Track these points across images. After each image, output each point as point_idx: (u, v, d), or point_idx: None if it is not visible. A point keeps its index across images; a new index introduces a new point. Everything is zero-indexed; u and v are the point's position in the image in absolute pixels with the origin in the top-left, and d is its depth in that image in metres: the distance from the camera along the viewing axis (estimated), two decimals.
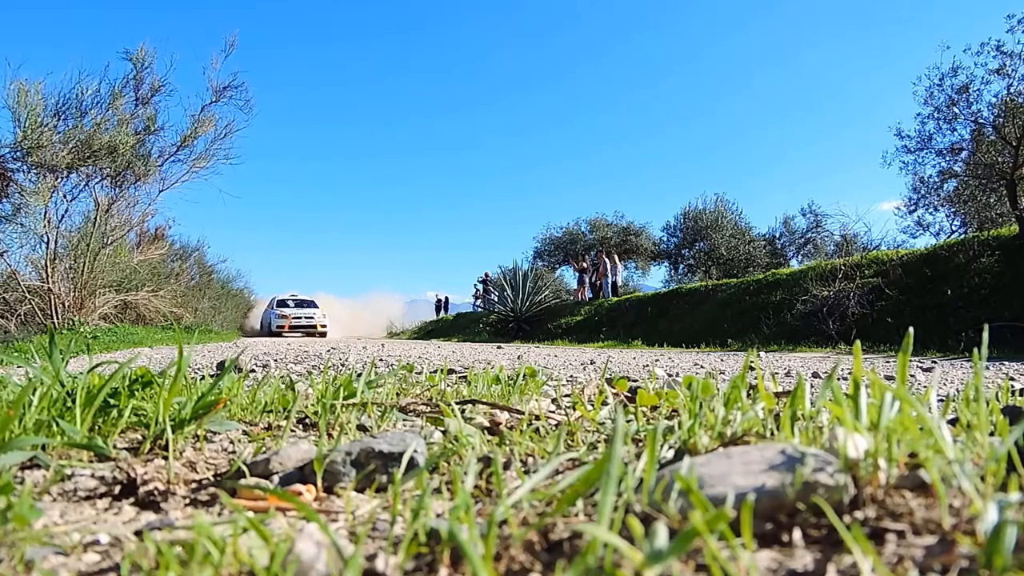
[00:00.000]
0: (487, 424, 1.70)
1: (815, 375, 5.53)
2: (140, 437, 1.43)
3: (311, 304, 33.23)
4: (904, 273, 14.52)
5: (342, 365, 6.75)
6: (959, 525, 0.71)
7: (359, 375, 2.28)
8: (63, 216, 16.95)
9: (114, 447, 1.32)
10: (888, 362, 7.98)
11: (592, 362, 7.85)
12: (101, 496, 1.08)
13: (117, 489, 1.10)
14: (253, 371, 5.48)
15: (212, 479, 1.17)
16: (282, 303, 33.09)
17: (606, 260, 26.91)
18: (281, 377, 2.43)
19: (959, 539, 0.66)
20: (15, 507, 0.83)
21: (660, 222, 41.47)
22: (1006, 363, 7.14)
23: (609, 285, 26.38)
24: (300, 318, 31.65)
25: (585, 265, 29.28)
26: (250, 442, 1.51)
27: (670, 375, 5.14)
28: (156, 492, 1.07)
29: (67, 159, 15.31)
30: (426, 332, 34.46)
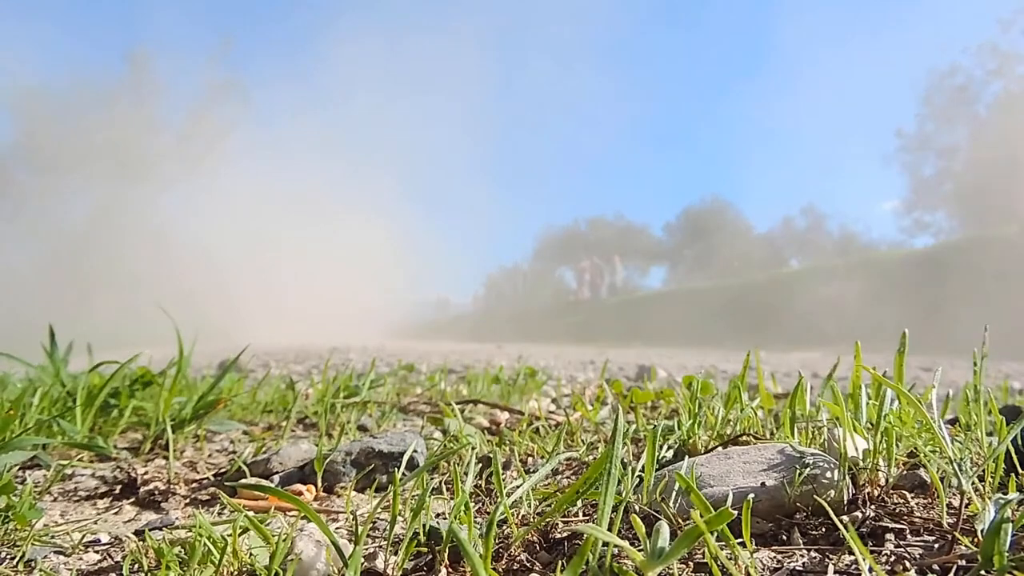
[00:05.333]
0: (487, 424, 1.70)
1: (815, 375, 5.54)
2: (141, 437, 1.43)
3: None
4: (903, 273, 14.52)
5: (343, 365, 6.75)
6: (958, 524, 0.71)
7: (360, 375, 2.28)
8: (63, 216, 16.96)
9: (115, 447, 1.33)
10: (888, 363, 7.97)
11: (592, 362, 7.85)
12: (102, 496, 1.08)
13: (118, 489, 1.10)
14: (253, 371, 5.48)
15: (213, 479, 1.17)
16: None
17: (602, 260, 26.98)
18: (281, 377, 2.43)
19: (958, 538, 0.67)
20: (16, 507, 0.83)
21: (660, 222, 41.51)
22: (1005, 363, 7.14)
23: (607, 285, 26.41)
24: None
25: (585, 265, 29.31)
26: (250, 442, 1.51)
27: (670, 375, 5.14)
28: (157, 492, 1.07)
29: (67, 159, 15.34)
30: (426, 332, 34.49)
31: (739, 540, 0.66)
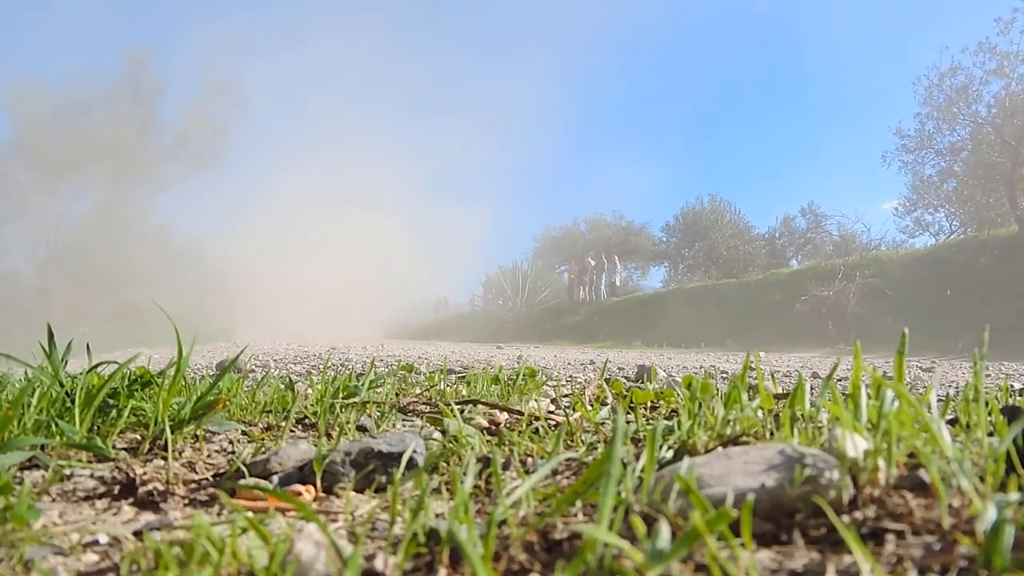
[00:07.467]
0: (486, 424, 1.70)
1: (815, 375, 5.54)
2: (139, 437, 1.43)
3: None
4: (903, 273, 14.53)
5: (342, 365, 6.76)
6: (958, 525, 0.70)
7: (359, 375, 2.28)
8: (63, 216, 16.95)
9: (113, 447, 1.32)
10: (888, 362, 7.98)
11: (592, 362, 7.86)
12: (100, 496, 1.08)
13: (116, 489, 1.10)
14: (253, 371, 5.48)
15: (211, 479, 1.17)
16: None
17: (604, 260, 26.97)
18: (280, 377, 2.43)
19: (959, 539, 0.66)
20: (14, 507, 0.83)
21: (660, 222, 41.47)
22: (1005, 363, 7.15)
23: (604, 285, 26.40)
24: None
25: (585, 265, 29.28)
26: (249, 442, 1.50)
27: (670, 375, 5.14)
28: (155, 492, 1.06)
29: (67, 159, 15.35)
30: (426, 332, 34.48)
31: (739, 540, 0.66)
